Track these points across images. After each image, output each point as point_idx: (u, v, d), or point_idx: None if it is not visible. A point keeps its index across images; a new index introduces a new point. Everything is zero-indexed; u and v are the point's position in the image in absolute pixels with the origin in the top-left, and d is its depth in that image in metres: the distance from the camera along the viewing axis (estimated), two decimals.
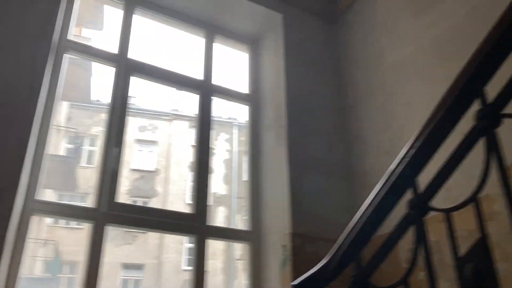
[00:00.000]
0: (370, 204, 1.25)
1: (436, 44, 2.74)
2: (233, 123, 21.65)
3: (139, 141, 21.12)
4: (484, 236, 0.99)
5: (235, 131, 21.47)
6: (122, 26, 3.12)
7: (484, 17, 2.40)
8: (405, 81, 2.94)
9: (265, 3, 3.43)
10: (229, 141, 21.61)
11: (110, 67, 3.00)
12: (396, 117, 2.92)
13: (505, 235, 1.79)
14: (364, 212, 1.24)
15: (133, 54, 3.07)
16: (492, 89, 1.08)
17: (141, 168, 20.65)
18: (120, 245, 18.65)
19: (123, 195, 18.59)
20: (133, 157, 20.49)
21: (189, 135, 20.38)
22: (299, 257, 2.63)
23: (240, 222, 19.11)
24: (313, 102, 3.28)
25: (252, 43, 3.72)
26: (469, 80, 1.09)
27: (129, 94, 2.95)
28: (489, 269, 0.96)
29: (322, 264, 1.26)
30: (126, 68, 2.97)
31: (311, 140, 3.12)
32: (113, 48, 3.06)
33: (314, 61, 3.47)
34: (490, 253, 0.98)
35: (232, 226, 18.41)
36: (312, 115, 3.22)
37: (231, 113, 21.99)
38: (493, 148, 1.03)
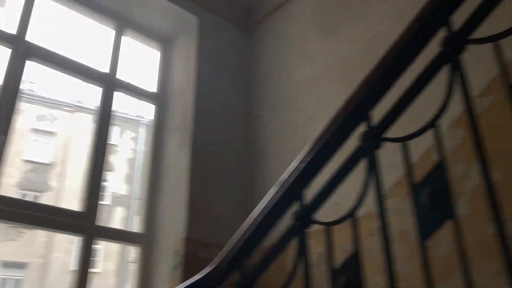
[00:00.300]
0: (259, 213, 1.28)
1: (340, 66, 2.91)
2: (141, 122, 21.03)
3: (36, 130, 19.67)
4: (358, 250, 1.05)
5: (142, 130, 20.87)
6: (23, 5, 2.89)
7: (383, 46, 2.60)
8: (309, 97, 3.07)
9: (180, 3, 3.39)
10: (135, 139, 20.94)
11: (5, 47, 2.76)
12: (298, 130, 3.04)
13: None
14: (253, 221, 1.27)
15: (33, 37, 2.85)
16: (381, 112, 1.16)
17: (35, 160, 19.22)
18: (2, 242, 17.14)
19: (11, 187, 17.15)
20: (27, 147, 19.01)
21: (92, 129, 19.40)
22: (191, 263, 2.61)
23: (138, 224, 18.52)
24: (222, 108, 3.30)
25: (165, 42, 3.65)
26: (357, 104, 1.16)
27: (25, 78, 2.74)
28: (359, 282, 1.03)
29: (207, 271, 1.26)
30: (23, 50, 2.76)
31: (216, 146, 3.13)
32: (12, 28, 2.82)
33: (226, 68, 3.49)
34: (361, 266, 1.04)
35: (129, 228, 17.80)
36: (219, 121, 3.23)
37: (139, 111, 21.34)
38: (373, 169, 1.11)
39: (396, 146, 1.12)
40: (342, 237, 1.35)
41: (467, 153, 2.06)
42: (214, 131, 3.17)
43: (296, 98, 3.18)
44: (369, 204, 1.63)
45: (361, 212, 1.73)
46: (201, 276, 1.25)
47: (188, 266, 2.59)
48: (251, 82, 3.61)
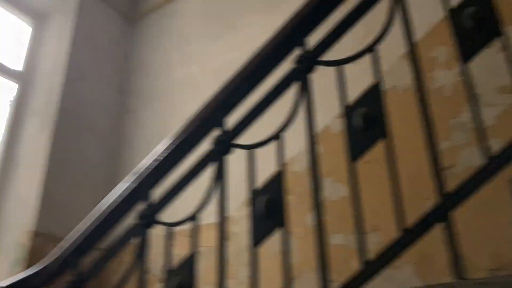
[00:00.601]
0: (103, 211, 1.22)
1: (220, 71, 2.93)
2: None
3: None
4: (193, 253, 1.06)
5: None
6: None
7: None
8: (187, 98, 3.04)
9: None
10: None
11: None
12: (171, 129, 2.98)
13: (237, 255, 1.98)
14: (94, 219, 1.21)
15: None
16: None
17: None
18: None
19: None
20: None
21: None
22: (38, 258, 2.40)
23: None
24: (92, 96, 3.12)
25: (38, 18, 3.35)
26: (213, 109, 1.18)
27: None
28: (191, 284, 1.03)
29: (36, 269, 1.17)
30: None
31: (81, 135, 2.94)
32: None
33: (103, 55, 3.32)
34: (194, 268, 1.05)
35: None
36: (87, 109, 3.05)
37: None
38: (220, 175, 1.12)
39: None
40: (203, 240, 1.36)
41: (322, 167, 2.22)
42: (81, 119, 2.98)
43: (173, 97, 3.14)
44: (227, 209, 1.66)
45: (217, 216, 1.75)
46: (29, 274, 1.16)
47: (34, 262, 2.38)
48: (129, 74, 3.48)
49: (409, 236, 0.85)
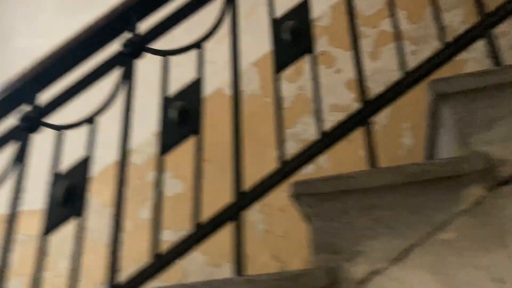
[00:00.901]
0: None
1: None
2: None
3: None
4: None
5: None
6: None
7: None
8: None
9: None
10: None
11: None
12: None
13: (60, 246, 1.84)
14: None
15: None
16: None
17: None
18: None
19: None
20: None
21: None
22: None
23: None
24: None
25: None
26: (24, 84, 1.10)
27: None
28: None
29: None
30: None
31: None
32: None
33: None
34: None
35: None
36: None
37: None
38: (22, 155, 1.02)
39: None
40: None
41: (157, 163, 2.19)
42: None
43: (13, 69, 2.82)
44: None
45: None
46: None
47: None
48: None
49: (201, 232, 0.86)
